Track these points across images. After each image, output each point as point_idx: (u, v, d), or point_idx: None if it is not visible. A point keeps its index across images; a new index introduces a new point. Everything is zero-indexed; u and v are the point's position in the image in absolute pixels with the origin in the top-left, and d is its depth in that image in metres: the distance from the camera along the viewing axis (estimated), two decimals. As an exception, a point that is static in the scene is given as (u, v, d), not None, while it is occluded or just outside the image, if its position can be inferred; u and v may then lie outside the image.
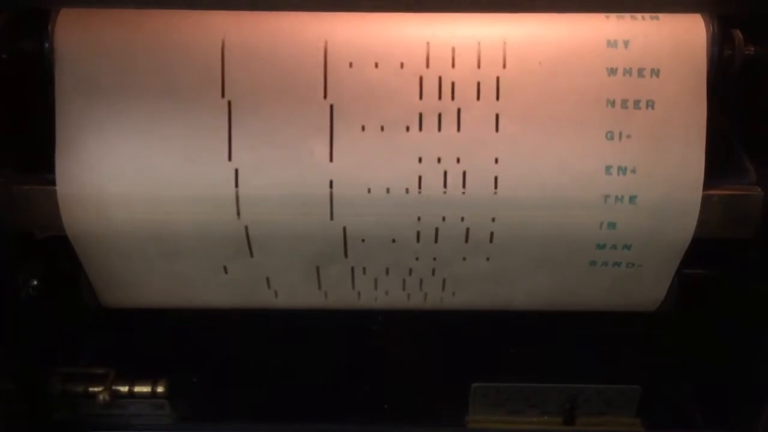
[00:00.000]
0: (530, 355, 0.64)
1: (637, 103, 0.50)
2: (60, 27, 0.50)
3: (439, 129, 0.50)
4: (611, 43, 0.50)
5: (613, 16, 0.51)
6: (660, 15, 0.50)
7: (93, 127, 0.50)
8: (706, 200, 0.51)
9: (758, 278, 0.54)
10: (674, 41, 0.50)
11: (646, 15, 0.51)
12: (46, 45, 0.50)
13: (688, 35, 0.50)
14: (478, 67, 0.50)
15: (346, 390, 0.63)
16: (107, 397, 0.57)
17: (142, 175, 0.51)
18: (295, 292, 0.57)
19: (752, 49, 0.51)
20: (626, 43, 0.50)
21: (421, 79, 0.50)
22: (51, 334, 0.58)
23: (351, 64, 0.50)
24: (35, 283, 0.55)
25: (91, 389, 0.58)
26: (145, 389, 0.58)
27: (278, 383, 0.63)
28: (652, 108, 0.50)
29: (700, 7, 0.48)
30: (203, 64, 0.50)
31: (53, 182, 0.51)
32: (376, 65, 0.50)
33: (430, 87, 0.50)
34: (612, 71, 0.50)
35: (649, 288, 0.57)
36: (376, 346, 0.66)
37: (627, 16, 0.51)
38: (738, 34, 0.51)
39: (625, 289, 0.56)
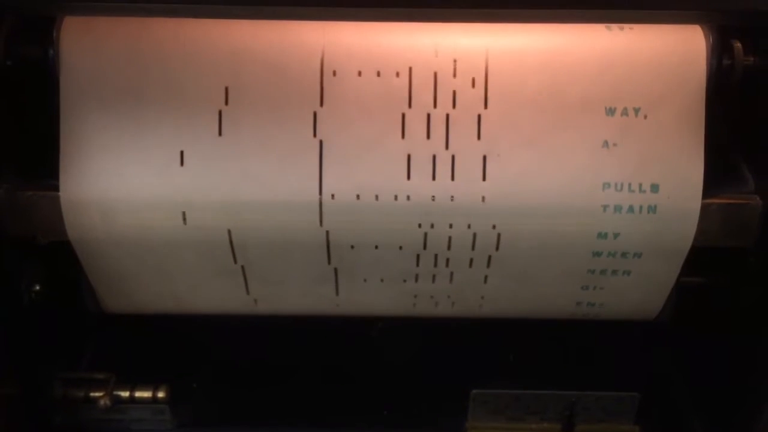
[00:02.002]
0: (529, 362, 0.64)
1: (636, 112, 0.51)
2: (65, 34, 0.50)
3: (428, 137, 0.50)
4: (612, 34, 0.51)
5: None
6: (660, 23, 0.50)
7: (96, 133, 0.50)
8: (705, 209, 0.51)
9: (756, 286, 0.54)
10: (673, 51, 0.50)
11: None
12: (51, 52, 0.50)
13: (687, 45, 0.51)
14: (473, 86, 0.50)
15: (345, 396, 0.63)
16: (108, 402, 0.57)
17: (144, 182, 0.51)
18: (287, 301, 0.57)
19: (751, 59, 0.51)
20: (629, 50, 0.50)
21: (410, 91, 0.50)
22: (52, 339, 0.59)
23: (345, 73, 0.50)
24: (37, 288, 0.56)
25: (92, 394, 0.58)
26: (146, 394, 0.58)
27: (278, 389, 0.63)
28: (652, 117, 0.51)
29: (698, 18, 0.49)
30: (206, 71, 0.50)
31: (56, 188, 0.51)
32: (378, 74, 0.50)
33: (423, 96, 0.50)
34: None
35: (647, 296, 0.57)
36: (375, 352, 0.66)
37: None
38: (737, 44, 0.51)
39: (623, 298, 0.57)
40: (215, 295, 0.57)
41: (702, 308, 0.60)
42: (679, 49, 0.50)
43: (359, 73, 0.50)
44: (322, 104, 0.50)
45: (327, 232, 0.52)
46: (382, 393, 0.63)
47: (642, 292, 0.56)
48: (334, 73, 0.50)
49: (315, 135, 0.50)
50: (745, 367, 0.56)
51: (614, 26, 0.50)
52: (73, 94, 0.50)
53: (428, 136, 0.50)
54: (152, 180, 0.51)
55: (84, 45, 0.50)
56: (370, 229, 0.52)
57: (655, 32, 0.51)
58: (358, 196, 0.51)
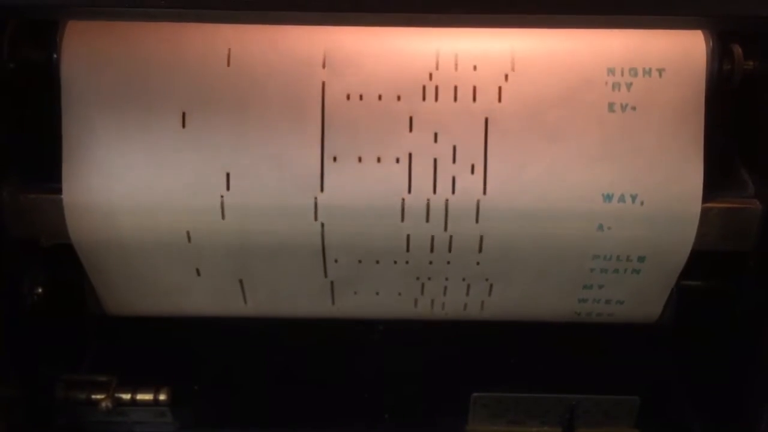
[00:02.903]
0: (530, 365, 0.64)
1: (633, 198, 0.51)
2: (68, 37, 0.50)
3: (436, 140, 0.51)
4: (611, 71, 0.51)
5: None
6: (661, 29, 0.51)
7: (99, 136, 0.51)
8: (705, 213, 0.52)
9: (756, 289, 0.55)
10: (674, 55, 0.51)
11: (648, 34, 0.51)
12: (54, 55, 0.50)
13: (687, 50, 0.51)
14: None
15: (346, 399, 0.63)
16: (110, 405, 0.57)
17: (147, 185, 0.51)
18: (288, 304, 0.58)
19: (751, 63, 0.51)
20: (629, 69, 0.51)
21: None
22: (54, 341, 0.59)
23: (346, 159, 0.50)
24: (40, 290, 0.56)
25: (93, 396, 0.58)
26: (148, 397, 0.58)
27: (279, 392, 0.63)
28: (652, 121, 0.51)
29: (699, 24, 0.49)
30: (208, 75, 0.50)
31: (59, 191, 0.51)
32: (378, 160, 0.51)
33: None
34: (614, 86, 0.51)
35: (648, 300, 0.57)
36: (376, 355, 0.66)
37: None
38: (737, 48, 0.51)
39: (648, 209, 0.56)
40: (219, 299, 0.57)
41: (702, 311, 0.60)
42: (681, 61, 0.51)
43: (359, 159, 0.50)
44: (322, 190, 0.51)
45: (332, 282, 0.55)
46: (383, 396, 0.63)
47: (642, 295, 0.56)
48: (335, 159, 0.50)
49: (316, 219, 0.51)
50: (745, 371, 0.56)
51: (617, 103, 0.50)
52: (76, 97, 0.51)
53: (427, 220, 0.51)
54: (154, 183, 0.51)
55: (87, 49, 0.51)
56: (371, 281, 0.55)
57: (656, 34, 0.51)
58: (360, 261, 0.53)
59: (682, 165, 0.51)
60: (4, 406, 0.54)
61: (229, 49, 0.50)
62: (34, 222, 0.52)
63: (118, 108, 0.50)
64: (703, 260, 0.55)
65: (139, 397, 0.58)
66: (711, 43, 0.50)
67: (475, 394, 0.58)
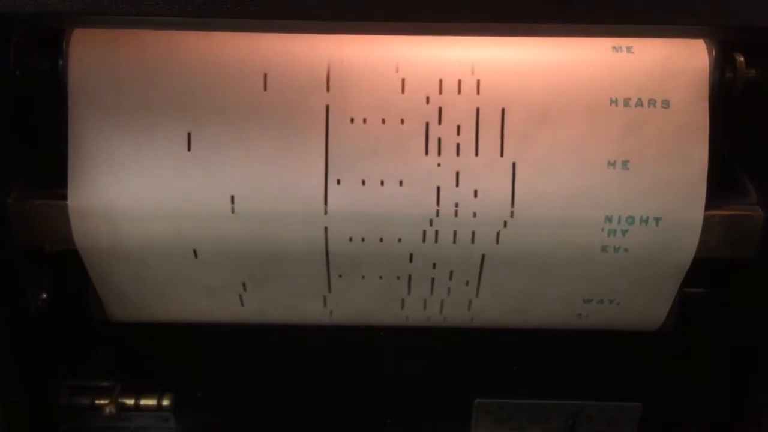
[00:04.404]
0: (533, 371, 0.64)
1: (610, 302, 0.55)
2: (74, 45, 0.51)
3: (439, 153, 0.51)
4: (617, 48, 0.51)
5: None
6: (663, 38, 0.51)
7: (105, 142, 0.51)
8: (707, 221, 0.52)
9: (758, 297, 0.55)
10: (677, 66, 0.51)
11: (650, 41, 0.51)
12: (60, 62, 0.51)
13: (690, 59, 0.51)
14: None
15: (348, 405, 0.63)
16: (113, 410, 0.58)
17: (152, 191, 0.51)
18: (294, 310, 0.58)
19: (753, 72, 0.52)
20: (626, 218, 0.52)
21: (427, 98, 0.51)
22: (59, 346, 0.59)
23: (352, 276, 0.54)
24: (44, 296, 0.56)
25: (97, 402, 0.58)
26: (151, 402, 0.59)
27: (281, 398, 0.63)
28: (624, 305, 0.54)
29: (701, 34, 0.49)
30: (213, 83, 0.51)
31: (64, 197, 0.51)
32: (380, 278, 0.54)
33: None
34: (614, 102, 0.51)
35: (650, 307, 0.57)
36: (378, 361, 0.66)
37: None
38: (739, 57, 0.51)
39: (626, 309, 0.57)
40: (223, 305, 0.57)
41: (704, 319, 0.60)
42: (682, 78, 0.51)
43: (362, 276, 0.54)
44: (330, 290, 0.55)
45: (331, 311, 0.57)
46: (386, 402, 0.63)
47: (644, 303, 0.57)
48: (340, 276, 0.54)
49: (325, 305, 0.56)
50: (747, 378, 0.56)
51: (610, 246, 0.52)
52: (82, 104, 0.51)
53: (424, 308, 0.56)
54: (159, 189, 0.51)
55: (92, 56, 0.51)
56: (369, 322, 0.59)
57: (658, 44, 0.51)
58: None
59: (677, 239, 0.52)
60: (8, 411, 0.55)
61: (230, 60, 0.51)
62: (39, 228, 0.52)
63: (124, 114, 0.51)
64: (705, 267, 0.55)
65: (143, 402, 0.59)
66: (713, 53, 0.51)
67: (477, 401, 0.58)
